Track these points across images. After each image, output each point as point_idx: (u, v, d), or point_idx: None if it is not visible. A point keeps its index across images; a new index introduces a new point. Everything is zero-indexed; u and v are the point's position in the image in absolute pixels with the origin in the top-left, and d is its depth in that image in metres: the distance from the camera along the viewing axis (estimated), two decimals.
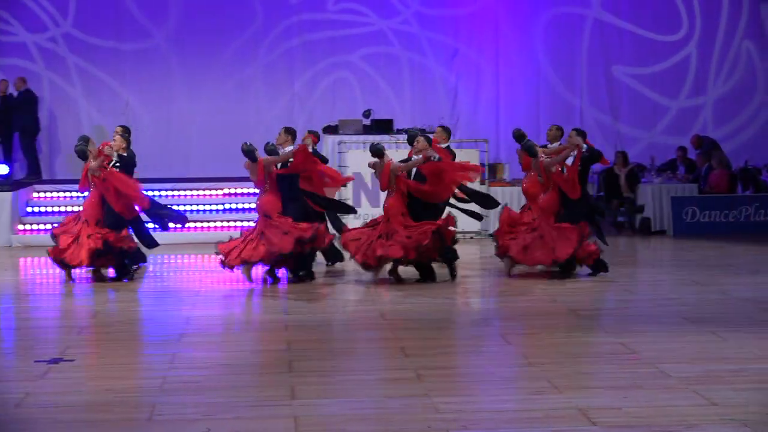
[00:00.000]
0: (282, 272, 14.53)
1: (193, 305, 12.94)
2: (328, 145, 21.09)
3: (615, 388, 8.61)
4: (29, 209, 19.80)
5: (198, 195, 20.67)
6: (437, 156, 14.33)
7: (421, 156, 14.37)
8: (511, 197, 19.97)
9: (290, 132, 14.90)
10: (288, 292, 13.86)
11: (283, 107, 23.36)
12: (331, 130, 21.48)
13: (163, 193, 20.50)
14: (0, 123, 21.39)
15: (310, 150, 14.83)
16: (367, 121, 21.67)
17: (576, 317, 11.84)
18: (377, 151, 14.60)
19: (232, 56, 23.15)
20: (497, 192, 20.06)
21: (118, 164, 14.70)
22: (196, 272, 16.14)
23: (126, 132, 15.74)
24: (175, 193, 20.55)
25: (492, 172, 21.02)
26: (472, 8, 23.67)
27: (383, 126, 21.19)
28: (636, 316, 12.01)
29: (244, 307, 13.13)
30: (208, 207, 20.22)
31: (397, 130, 21.15)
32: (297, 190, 14.47)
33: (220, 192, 20.57)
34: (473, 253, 17.51)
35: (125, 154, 14.92)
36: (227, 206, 20.16)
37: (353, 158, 19.68)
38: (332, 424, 7.68)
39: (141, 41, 23.03)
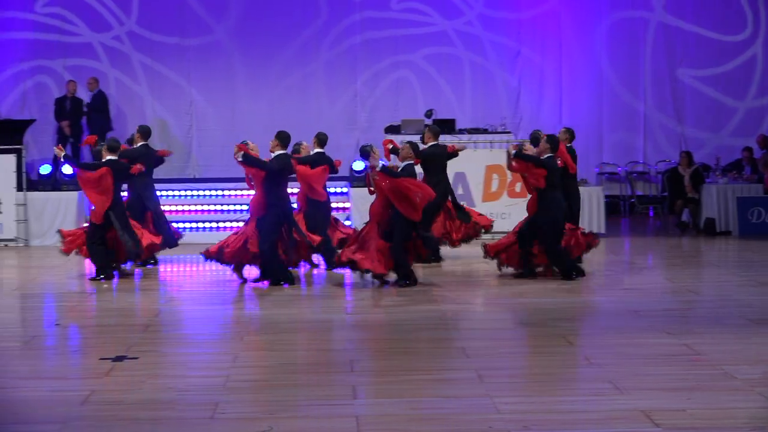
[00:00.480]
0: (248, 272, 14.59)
1: (255, 304, 13.01)
2: None
3: (678, 389, 8.54)
4: None
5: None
6: (379, 164, 13.96)
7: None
8: None
9: (279, 137, 14.45)
10: (351, 292, 13.91)
11: (344, 105, 23.45)
12: (393, 129, 21.52)
13: (227, 192, 20.57)
14: (72, 124, 21.67)
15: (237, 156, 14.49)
16: (429, 121, 21.66)
17: (638, 318, 11.75)
18: (363, 152, 14.47)
19: (294, 52, 23.29)
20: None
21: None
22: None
23: (137, 132, 15.97)
24: (239, 192, 20.53)
25: None
26: (535, 12, 23.61)
27: (445, 126, 21.16)
28: (700, 317, 11.93)
29: (307, 306, 13.16)
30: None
31: (459, 130, 21.14)
32: (274, 196, 14.12)
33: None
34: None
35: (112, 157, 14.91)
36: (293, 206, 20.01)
37: None
38: (393, 424, 7.68)
39: (203, 37, 23.24)
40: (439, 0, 23.61)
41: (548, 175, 14.20)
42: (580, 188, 19.89)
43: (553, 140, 14.58)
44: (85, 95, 22.33)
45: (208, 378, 9.10)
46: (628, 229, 21.56)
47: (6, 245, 19.07)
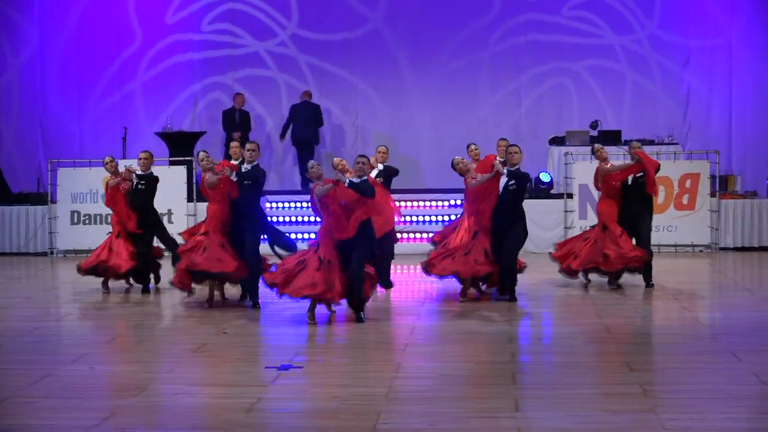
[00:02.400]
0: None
1: (417, 315, 13.06)
2: (554, 156, 21.04)
3: None
4: None
5: (425, 205, 20.52)
6: (345, 179, 13.26)
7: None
8: (743, 210, 19.47)
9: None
10: (513, 305, 13.86)
11: (499, 103, 23.41)
12: (557, 141, 21.38)
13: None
14: (242, 137, 22.17)
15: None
16: (594, 132, 21.47)
17: None
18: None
19: (457, 48, 23.40)
20: (728, 204, 19.56)
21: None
22: (421, 282, 16.23)
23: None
24: (404, 203, 20.29)
25: (723, 184, 20.49)
26: (707, 41, 23.10)
27: (611, 137, 20.94)
28: None
29: (468, 317, 13.16)
30: (433, 218, 20.23)
31: (624, 141, 20.84)
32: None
33: (445, 203, 20.47)
34: (702, 266, 17.14)
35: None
36: (452, 217, 19.95)
37: (579, 169, 19.55)
38: None
39: (364, 29, 23.54)
40: (612, 14, 23.29)
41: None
42: (749, 200, 19.54)
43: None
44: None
45: (371, 387, 9.17)
46: None
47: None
